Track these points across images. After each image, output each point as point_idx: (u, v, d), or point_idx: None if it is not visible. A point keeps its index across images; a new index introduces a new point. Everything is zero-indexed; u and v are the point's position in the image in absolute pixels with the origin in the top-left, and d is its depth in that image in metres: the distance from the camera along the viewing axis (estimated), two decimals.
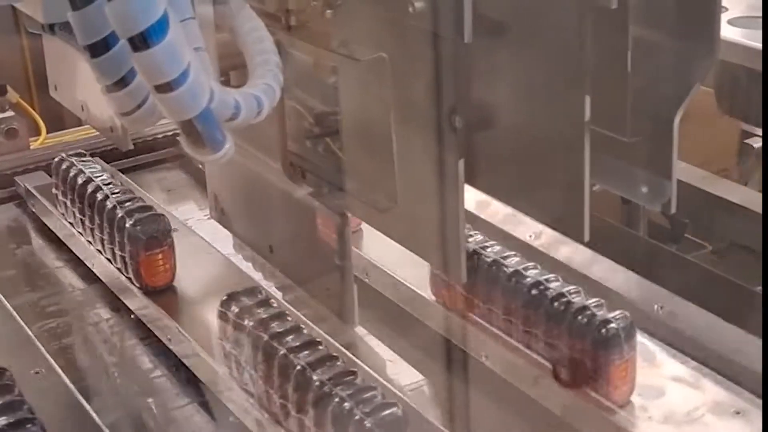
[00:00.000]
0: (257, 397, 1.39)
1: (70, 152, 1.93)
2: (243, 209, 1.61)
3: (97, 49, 0.91)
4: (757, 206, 1.99)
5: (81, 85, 1.64)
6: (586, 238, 1.21)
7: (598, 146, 1.17)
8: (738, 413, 1.33)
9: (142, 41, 0.84)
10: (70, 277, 1.86)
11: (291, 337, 1.36)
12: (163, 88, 0.87)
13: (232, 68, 1.18)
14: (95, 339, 1.71)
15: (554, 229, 1.30)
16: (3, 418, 1.28)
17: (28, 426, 1.27)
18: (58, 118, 2.34)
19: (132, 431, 1.51)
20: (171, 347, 1.60)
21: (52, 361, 1.53)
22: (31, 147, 2.20)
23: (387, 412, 1.23)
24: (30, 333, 1.62)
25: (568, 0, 1.13)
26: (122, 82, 0.94)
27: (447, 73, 1.17)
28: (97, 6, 0.87)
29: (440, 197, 1.21)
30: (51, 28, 1.27)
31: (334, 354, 1.33)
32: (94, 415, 1.41)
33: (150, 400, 1.55)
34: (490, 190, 1.35)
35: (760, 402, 1.35)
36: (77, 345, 1.69)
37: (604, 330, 1.32)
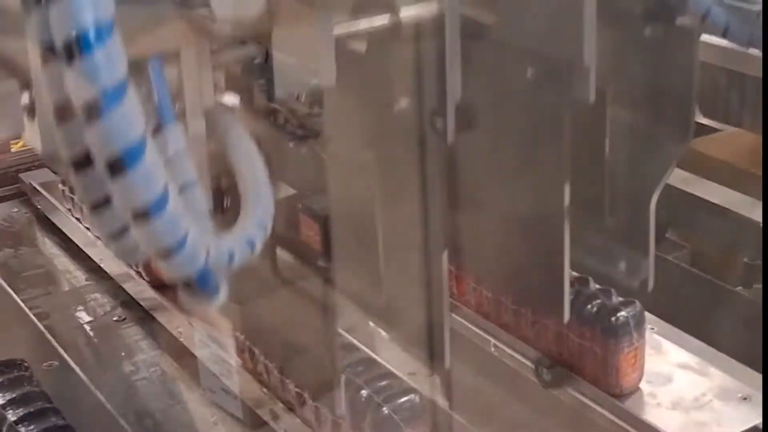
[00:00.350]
0: (272, 388, 1.41)
1: None
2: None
3: (98, 202, 0.87)
4: (737, 207, 2.02)
5: None
6: (566, 318, 1.27)
7: (578, 226, 1.22)
8: (745, 399, 1.36)
9: (142, 215, 0.81)
10: (76, 272, 1.88)
11: None
12: (162, 255, 0.85)
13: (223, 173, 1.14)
14: (104, 332, 1.72)
15: (536, 312, 1.36)
16: (23, 408, 1.30)
17: (50, 416, 1.29)
18: None
19: (146, 422, 1.52)
20: (181, 340, 1.61)
21: (65, 355, 1.55)
22: (12, 150, 2.20)
23: (405, 399, 1.26)
24: (41, 327, 1.63)
25: (547, 92, 1.18)
26: (119, 232, 0.90)
27: (432, 164, 1.19)
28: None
29: (425, 285, 1.25)
30: None
31: (352, 343, 1.35)
32: (109, 406, 1.42)
33: (161, 391, 1.57)
34: (473, 275, 1.42)
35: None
36: (86, 339, 1.71)
37: (613, 318, 1.34)
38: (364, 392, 1.26)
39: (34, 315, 1.68)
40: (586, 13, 1.11)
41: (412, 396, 1.26)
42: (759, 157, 2.33)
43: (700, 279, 1.97)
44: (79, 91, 0.75)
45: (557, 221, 1.22)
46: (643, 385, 1.38)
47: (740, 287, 2.01)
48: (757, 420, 1.33)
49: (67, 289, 1.85)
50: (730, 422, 1.34)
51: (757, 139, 1.59)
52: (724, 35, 1.24)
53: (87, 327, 1.73)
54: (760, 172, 2.28)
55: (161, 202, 0.80)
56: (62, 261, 1.92)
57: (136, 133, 0.76)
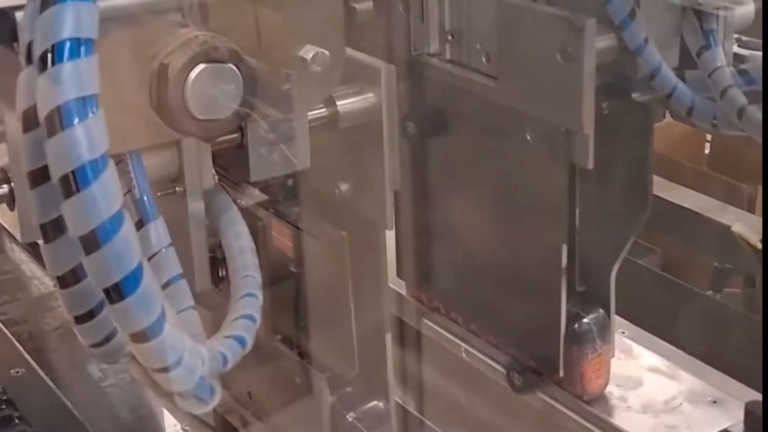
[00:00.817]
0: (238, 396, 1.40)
1: None
2: None
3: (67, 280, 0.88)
4: (708, 211, 2.03)
5: None
6: (562, 373, 1.33)
7: None
8: (714, 402, 1.36)
9: (141, 337, 0.81)
10: (44, 278, 1.86)
11: None
12: (160, 372, 0.86)
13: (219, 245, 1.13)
14: (72, 339, 1.71)
15: (531, 365, 1.39)
16: None
17: (17, 424, 1.28)
18: None
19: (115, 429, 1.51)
20: None
21: (32, 362, 1.53)
22: None
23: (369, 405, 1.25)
24: (8, 333, 1.62)
25: (543, 156, 1.24)
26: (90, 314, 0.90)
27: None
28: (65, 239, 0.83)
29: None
30: None
31: None
32: (76, 413, 1.41)
33: (130, 398, 1.56)
34: (470, 326, 1.45)
35: (736, 391, 1.38)
36: (53, 346, 1.69)
37: (576, 326, 1.34)
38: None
39: (0, 321, 1.66)
40: (585, 81, 1.15)
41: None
42: (690, 147, 2.38)
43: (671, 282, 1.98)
44: (76, 223, 0.75)
45: (555, 280, 1.29)
46: (613, 389, 1.38)
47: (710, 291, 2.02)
48: (727, 423, 1.34)
49: (35, 295, 1.83)
50: (700, 426, 1.34)
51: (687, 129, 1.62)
52: (689, 114, 1.27)
53: (54, 333, 1.71)
54: (692, 164, 2.32)
55: (158, 325, 0.81)
56: (30, 267, 1.90)
57: (133, 261, 0.77)
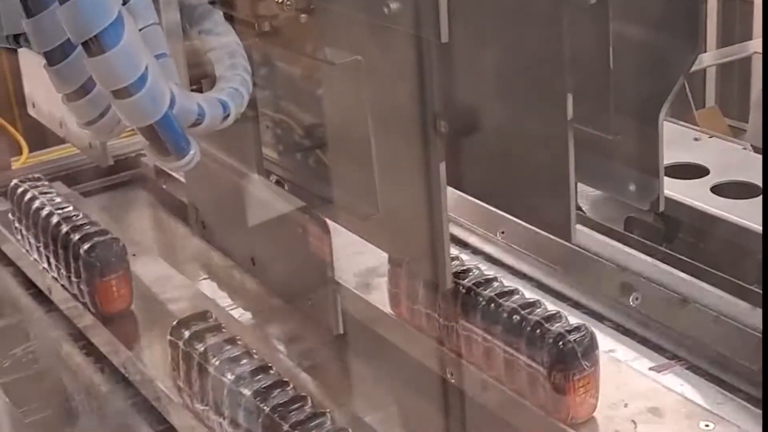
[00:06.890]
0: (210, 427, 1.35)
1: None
2: (223, 221, 1.60)
3: (55, 56, 0.92)
4: None
5: (58, 101, 1.61)
6: (574, 239, 1.20)
7: (583, 145, 1.16)
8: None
9: (96, 45, 0.84)
10: (28, 303, 1.82)
11: (241, 363, 1.32)
12: (121, 94, 0.87)
13: (204, 76, 1.17)
14: (53, 367, 1.67)
15: (543, 230, 1.30)
16: None
17: None
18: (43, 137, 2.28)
19: None
20: (128, 376, 1.55)
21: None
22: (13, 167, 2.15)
23: None
24: None
25: None
26: (82, 90, 0.95)
27: (427, 76, 1.18)
28: (50, 12, 0.86)
29: (423, 202, 1.22)
30: (16, 40, 1.22)
31: (285, 380, 1.29)
32: None
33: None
34: (475, 193, 1.36)
35: None
36: (34, 374, 1.65)
37: (561, 344, 1.27)
38: None
39: None
40: None
41: None
42: None
43: None
44: None
45: (561, 135, 1.14)
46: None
47: None
48: None
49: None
50: None
51: None
52: None
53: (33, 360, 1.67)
54: None
55: (115, 32, 0.83)
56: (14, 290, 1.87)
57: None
